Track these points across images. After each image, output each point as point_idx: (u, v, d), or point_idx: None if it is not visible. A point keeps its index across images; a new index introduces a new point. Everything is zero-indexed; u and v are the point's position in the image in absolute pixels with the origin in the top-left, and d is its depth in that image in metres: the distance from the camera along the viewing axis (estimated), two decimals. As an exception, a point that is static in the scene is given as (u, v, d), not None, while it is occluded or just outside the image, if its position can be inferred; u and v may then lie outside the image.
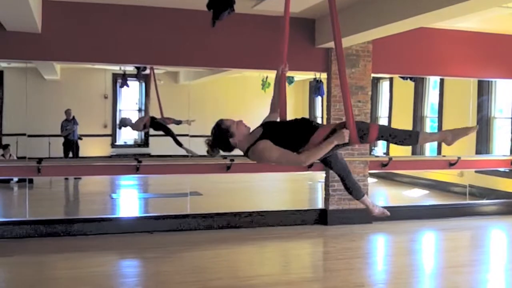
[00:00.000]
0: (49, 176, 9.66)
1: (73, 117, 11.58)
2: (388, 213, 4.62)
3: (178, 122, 10.40)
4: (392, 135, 3.76)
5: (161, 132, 11.28)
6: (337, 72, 8.64)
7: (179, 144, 10.10)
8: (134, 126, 10.79)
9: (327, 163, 4.25)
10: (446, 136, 3.55)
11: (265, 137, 3.75)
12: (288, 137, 3.77)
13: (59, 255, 6.98)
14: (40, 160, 7.68)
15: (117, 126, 10.79)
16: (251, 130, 3.90)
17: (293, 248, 7.70)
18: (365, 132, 3.72)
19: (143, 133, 12.75)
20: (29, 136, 8.86)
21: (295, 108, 11.59)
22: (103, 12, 7.55)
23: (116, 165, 8.53)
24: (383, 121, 13.32)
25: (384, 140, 3.86)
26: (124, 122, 10.79)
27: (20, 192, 9.94)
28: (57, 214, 8.52)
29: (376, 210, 4.59)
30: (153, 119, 10.38)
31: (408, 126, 12.16)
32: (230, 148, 3.90)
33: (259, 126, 3.93)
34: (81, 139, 11.68)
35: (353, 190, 4.54)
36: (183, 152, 9.46)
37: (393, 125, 12.58)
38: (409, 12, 6.22)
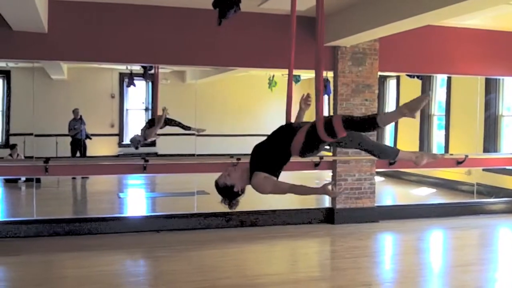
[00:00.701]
0: (56, 176, 9.67)
1: (81, 117, 11.62)
2: (439, 156, 4.28)
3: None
4: (354, 124, 3.61)
5: (168, 131, 11.27)
6: (344, 70, 8.65)
7: (188, 127, 10.10)
8: (148, 137, 10.66)
9: (340, 145, 4.23)
10: (402, 111, 3.46)
11: (254, 168, 3.84)
12: (272, 153, 3.84)
13: (67, 254, 7.00)
14: (47, 160, 7.71)
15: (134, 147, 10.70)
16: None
17: (301, 247, 7.69)
18: (332, 128, 3.61)
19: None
20: (36, 135, 8.88)
21: (297, 102, 11.58)
22: (109, 11, 7.56)
23: (123, 164, 8.54)
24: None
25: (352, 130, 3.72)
26: (136, 141, 10.63)
27: (28, 192, 9.97)
28: (65, 213, 8.54)
29: (422, 161, 4.04)
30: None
31: (416, 125, 12.14)
32: (241, 193, 4.12)
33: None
34: (90, 138, 11.71)
35: (381, 154, 4.11)
36: (190, 151, 9.44)
37: (401, 124, 12.65)
38: (416, 10, 6.19)
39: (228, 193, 4.05)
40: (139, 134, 10.08)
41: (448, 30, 8.92)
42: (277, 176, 3.87)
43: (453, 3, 5.55)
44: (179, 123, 10.19)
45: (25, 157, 10.47)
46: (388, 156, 4.16)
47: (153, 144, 12.56)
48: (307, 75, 12.10)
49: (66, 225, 7.72)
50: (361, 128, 3.59)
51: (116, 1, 7.48)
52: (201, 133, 10.01)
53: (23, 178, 10.38)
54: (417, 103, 3.37)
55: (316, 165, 8.75)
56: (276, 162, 3.84)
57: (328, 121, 3.61)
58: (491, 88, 10.61)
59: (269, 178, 3.79)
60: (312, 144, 3.75)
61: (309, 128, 3.75)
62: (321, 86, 3.80)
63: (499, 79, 10.41)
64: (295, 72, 9.03)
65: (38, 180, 8.93)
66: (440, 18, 6.94)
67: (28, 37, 7.23)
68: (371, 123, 3.51)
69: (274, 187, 3.80)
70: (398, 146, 12.87)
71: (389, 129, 13.32)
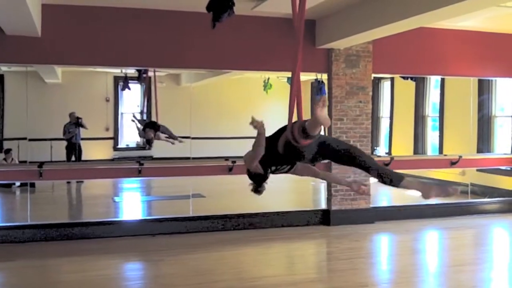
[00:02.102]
0: (51, 180, 9.64)
1: (78, 120, 11.52)
2: (452, 191, 3.70)
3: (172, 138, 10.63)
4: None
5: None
6: (338, 72, 8.69)
7: (175, 137, 10.26)
8: (146, 134, 10.80)
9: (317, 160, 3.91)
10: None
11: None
12: (268, 148, 3.80)
13: (62, 259, 6.98)
14: (41, 164, 7.69)
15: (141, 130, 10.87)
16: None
17: (297, 249, 7.70)
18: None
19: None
20: (30, 140, 8.86)
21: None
22: (103, 15, 7.56)
23: (118, 168, 8.54)
24: (384, 121, 13.31)
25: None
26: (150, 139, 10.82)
27: (22, 196, 9.93)
28: (60, 218, 8.51)
29: (430, 193, 3.70)
30: (154, 123, 10.47)
31: (410, 126, 12.18)
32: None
33: None
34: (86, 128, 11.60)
35: (383, 174, 3.69)
36: (186, 155, 9.44)
37: (395, 125, 12.70)
38: (408, 12, 6.23)
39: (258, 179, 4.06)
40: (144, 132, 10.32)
41: (441, 32, 8.97)
42: (267, 172, 3.93)
43: (446, 5, 5.59)
44: (171, 135, 10.38)
45: (20, 161, 10.43)
46: (390, 178, 3.73)
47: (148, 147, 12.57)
48: (302, 77, 12.08)
49: (61, 230, 7.70)
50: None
51: (110, 5, 7.49)
52: (194, 132, 9.99)
53: (18, 183, 10.34)
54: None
55: (311, 167, 8.75)
56: (267, 157, 3.82)
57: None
58: (484, 89, 10.66)
59: (249, 152, 3.84)
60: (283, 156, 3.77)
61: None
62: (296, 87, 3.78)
63: (491, 80, 10.46)
64: (287, 74, 9.07)
65: (32, 185, 8.91)
66: (433, 20, 6.98)
67: (22, 41, 7.22)
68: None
69: (250, 157, 3.86)
70: (393, 148, 12.98)
71: (383, 130, 13.37)
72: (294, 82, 3.77)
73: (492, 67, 9.48)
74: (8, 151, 10.95)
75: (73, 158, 11.63)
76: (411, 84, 11.82)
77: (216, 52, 8.01)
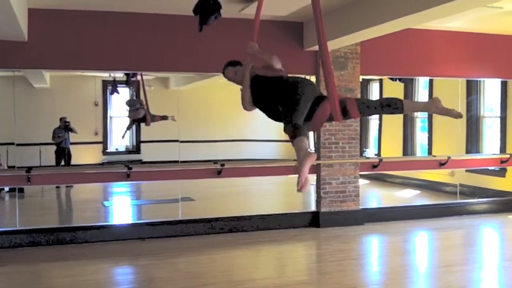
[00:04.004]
0: (39, 185, 9.59)
1: (67, 124, 11.46)
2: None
3: (165, 118, 10.74)
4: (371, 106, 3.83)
5: (152, 138, 11.29)
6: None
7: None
8: (134, 114, 10.96)
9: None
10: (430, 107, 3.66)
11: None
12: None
13: (52, 264, 6.93)
14: (29, 169, 7.64)
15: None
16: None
17: (287, 251, 7.70)
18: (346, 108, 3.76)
19: (134, 139, 12.73)
20: (18, 145, 8.81)
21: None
22: (90, 19, 7.53)
23: (107, 172, 8.50)
24: (373, 123, 13.36)
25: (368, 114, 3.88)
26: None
27: (11, 202, 9.88)
28: (49, 223, 8.46)
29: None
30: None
31: (399, 127, 12.23)
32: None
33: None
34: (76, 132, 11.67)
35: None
36: (174, 158, 9.42)
37: (384, 127, 12.74)
38: (395, 13, 6.25)
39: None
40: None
41: (428, 32, 9.00)
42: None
43: (433, 6, 5.60)
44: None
45: (8, 166, 10.37)
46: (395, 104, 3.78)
47: (138, 151, 12.55)
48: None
49: (51, 235, 7.65)
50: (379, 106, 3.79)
51: (97, 9, 7.46)
52: (183, 135, 10.01)
53: (6, 188, 10.27)
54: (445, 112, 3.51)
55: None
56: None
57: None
58: (472, 90, 10.73)
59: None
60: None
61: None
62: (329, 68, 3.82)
63: (479, 80, 10.52)
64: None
65: (21, 190, 8.86)
66: (420, 21, 7.00)
67: (8, 45, 7.17)
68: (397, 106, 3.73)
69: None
70: (382, 148, 13.01)
71: (372, 131, 13.42)
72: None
73: (480, 68, 9.53)
74: (-4, 156, 10.88)
75: (62, 163, 11.58)
76: (400, 86, 11.87)
77: (204, 55, 7.99)
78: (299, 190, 3.38)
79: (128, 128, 12.02)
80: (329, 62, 3.83)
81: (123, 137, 11.99)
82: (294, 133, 3.54)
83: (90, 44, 7.58)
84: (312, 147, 8.83)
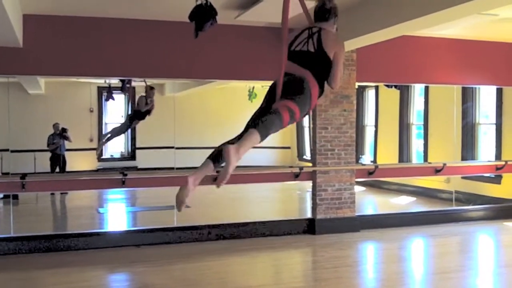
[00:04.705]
0: (34, 192, 9.56)
1: (62, 131, 11.44)
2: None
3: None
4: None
5: (147, 145, 11.27)
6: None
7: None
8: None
9: None
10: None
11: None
12: None
13: (47, 271, 6.88)
14: (24, 176, 7.60)
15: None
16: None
17: (283, 258, 7.68)
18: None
19: (129, 146, 12.72)
20: (13, 151, 8.78)
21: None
22: (85, 25, 7.52)
23: (102, 179, 8.46)
24: (369, 129, 13.38)
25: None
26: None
27: (6, 208, 9.83)
28: (44, 230, 8.42)
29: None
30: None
31: (395, 134, 12.24)
32: None
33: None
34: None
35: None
36: (170, 165, 9.40)
37: (380, 134, 12.76)
38: (391, 20, 6.27)
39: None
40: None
41: (424, 40, 9.03)
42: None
43: (429, 13, 5.63)
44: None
45: (3, 173, 10.34)
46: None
47: (133, 157, 12.53)
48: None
49: (45, 242, 7.60)
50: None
51: (92, 15, 7.45)
52: (178, 142, 9.98)
53: (1, 195, 10.23)
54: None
55: (296, 176, 8.77)
56: None
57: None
58: (467, 97, 10.76)
59: None
60: None
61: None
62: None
63: (475, 87, 10.56)
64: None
65: (15, 197, 8.83)
66: (415, 29, 7.03)
67: (2, 52, 7.14)
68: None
69: None
70: (378, 156, 13.03)
71: (368, 137, 13.43)
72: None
73: (475, 75, 9.55)
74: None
75: (57, 169, 11.56)
76: (396, 93, 11.91)
77: (200, 61, 8.00)
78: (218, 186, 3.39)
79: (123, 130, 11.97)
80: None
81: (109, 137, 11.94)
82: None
83: (85, 51, 7.56)
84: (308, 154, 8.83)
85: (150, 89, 10.93)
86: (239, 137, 3.44)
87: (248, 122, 3.59)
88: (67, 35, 7.48)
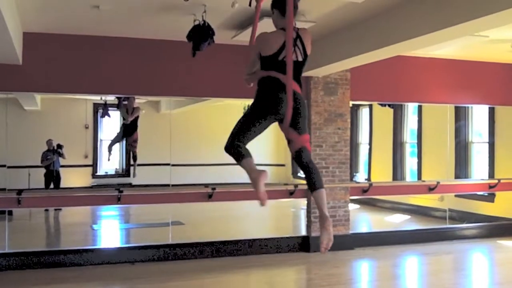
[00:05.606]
0: (29, 208, 9.54)
1: (56, 149, 11.45)
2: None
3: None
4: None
5: (143, 162, 11.28)
6: (317, 99, 8.77)
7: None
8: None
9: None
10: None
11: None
12: None
13: (41, 287, 6.87)
14: (20, 192, 7.61)
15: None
16: None
17: (277, 276, 7.69)
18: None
19: (124, 162, 12.73)
20: (9, 167, 8.79)
21: (276, 135, 11.63)
22: (83, 43, 7.59)
23: (97, 195, 8.47)
24: (363, 147, 13.45)
25: None
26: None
27: (0, 225, 9.81)
28: (38, 246, 8.41)
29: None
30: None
31: (389, 152, 12.30)
32: None
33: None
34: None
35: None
36: (165, 181, 9.42)
37: (374, 152, 12.81)
38: (385, 41, 6.35)
39: None
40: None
41: (417, 60, 9.15)
42: None
43: (422, 34, 5.72)
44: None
45: (-1, 189, 10.32)
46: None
47: (127, 174, 12.53)
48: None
49: (39, 258, 7.59)
50: None
51: (90, 33, 7.53)
52: (175, 159, 10.01)
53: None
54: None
55: (290, 194, 8.80)
56: None
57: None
58: (460, 116, 10.86)
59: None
60: None
61: None
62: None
63: (468, 106, 10.66)
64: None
65: (10, 213, 8.80)
66: (409, 49, 7.13)
67: (2, 68, 7.20)
68: None
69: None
70: (372, 174, 13.07)
71: (362, 155, 13.49)
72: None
73: (468, 94, 9.66)
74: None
75: (51, 186, 11.54)
76: (389, 111, 11.99)
77: (196, 80, 8.06)
78: (262, 204, 3.38)
79: (116, 141, 12.02)
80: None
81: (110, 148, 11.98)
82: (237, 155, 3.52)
83: (83, 68, 7.63)
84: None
85: (128, 99, 11.06)
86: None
87: (233, 130, 3.71)
88: (65, 53, 7.55)
